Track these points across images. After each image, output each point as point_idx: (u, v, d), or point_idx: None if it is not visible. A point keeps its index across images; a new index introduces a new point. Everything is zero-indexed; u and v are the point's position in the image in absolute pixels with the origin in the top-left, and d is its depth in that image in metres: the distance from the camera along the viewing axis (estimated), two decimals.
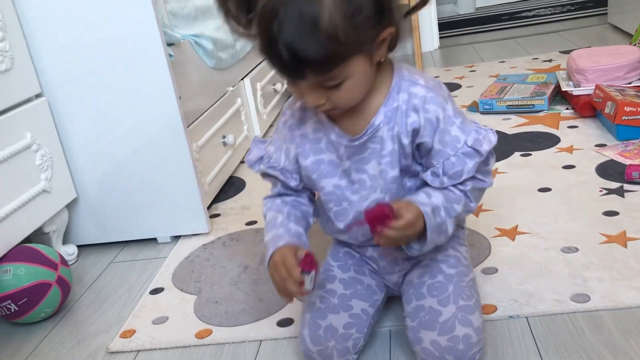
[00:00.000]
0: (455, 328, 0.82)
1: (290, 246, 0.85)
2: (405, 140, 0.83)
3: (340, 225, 0.92)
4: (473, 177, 0.84)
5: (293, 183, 0.92)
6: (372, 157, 0.86)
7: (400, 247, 0.86)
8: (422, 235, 0.83)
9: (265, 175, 0.95)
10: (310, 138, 0.88)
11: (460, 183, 0.84)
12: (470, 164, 0.82)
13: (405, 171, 0.87)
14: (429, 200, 0.82)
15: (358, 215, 0.88)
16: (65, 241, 1.43)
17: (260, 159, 0.93)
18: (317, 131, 0.87)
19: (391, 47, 0.79)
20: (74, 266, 1.40)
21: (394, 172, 0.86)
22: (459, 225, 1.00)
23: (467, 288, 0.88)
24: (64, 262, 1.20)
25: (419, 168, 0.87)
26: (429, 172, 0.84)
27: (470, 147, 0.81)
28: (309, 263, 0.82)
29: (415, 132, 0.82)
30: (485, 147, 0.82)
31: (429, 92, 0.82)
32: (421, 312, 0.86)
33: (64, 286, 1.18)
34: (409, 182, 0.88)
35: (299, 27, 0.67)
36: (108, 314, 1.18)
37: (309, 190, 0.96)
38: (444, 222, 0.83)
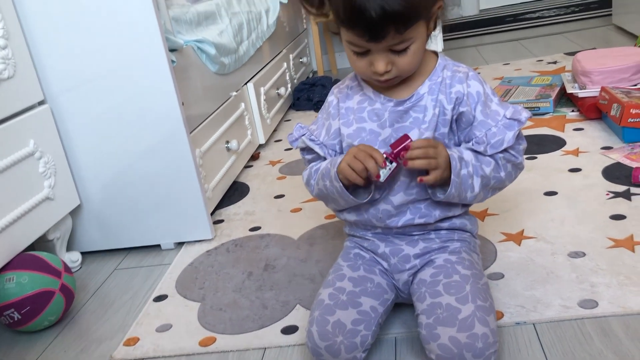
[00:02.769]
0: (475, 326, 0.81)
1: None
2: (448, 106, 0.91)
3: (376, 194, 0.94)
4: (506, 151, 0.91)
5: (329, 157, 0.98)
6: (414, 126, 0.92)
7: (427, 187, 0.92)
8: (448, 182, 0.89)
9: (302, 150, 1.03)
10: (355, 109, 0.96)
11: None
12: (510, 134, 0.90)
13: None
14: (458, 152, 0.90)
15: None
16: (69, 248, 1.43)
17: (303, 135, 1.01)
18: (361, 102, 0.96)
19: (434, 26, 0.90)
20: (78, 273, 1.40)
21: (428, 134, 0.91)
22: (472, 234, 1.01)
23: (482, 290, 0.89)
24: (67, 269, 1.20)
25: (452, 146, 0.93)
26: (472, 142, 0.91)
27: (509, 118, 0.90)
28: (394, 155, 0.87)
29: (459, 101, 0.91)
30: (525, 115, 0.91)
31: (470, 71, 0.94)
32: (438, 309, 0.86)
33: (68, 294, 1.17)
34: None
35: None
36: (112, 321, 1.18)
37: None
38: (470, 177, 0.89)
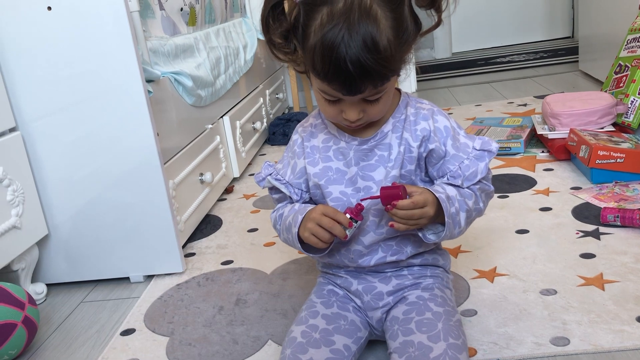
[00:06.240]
0: None
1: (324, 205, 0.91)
2: (414, 144, 0.90)
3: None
4: (480, 181, 0.92)
5: (295, 197, 0.98)
6: (379, 164, 0.91)
7: (414, 233, 0.91)
8: (436, 224, 0.90)
9: (271, 189, 1.01)
10: (320, 148, 0.95)
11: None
12: (482, 165, 0.90)
13: (405, 179, 0.92)
14: (444, 191, 0.88)
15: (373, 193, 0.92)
16: (34, 279, 1.39)
17: (269, 175, 1.00)
18: (326, 141, 0.95)
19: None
20: (43, 305, 1.35)
21: (394, 172, 0.90)
22: (444, 269, 1.01)
23: (454, 327, 0.88)
24: (31, 301, 1.16)
25: (418, 182, 0.93)
26: (447, 176, 0.91)
27: (479, 149, 0.91)
28: (358, 213, 0.86)
29: (425, 138, 0.90)
30: (495, 145, 0.92)
31: (435, 107, 0.94)
32: (410, 347, 0.85)
33: (31, 327, 1.13)
34: None
35: (364, 47, 0.75)
36: (76, 356, 1.13)
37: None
38: (458, 213, 0.89)
